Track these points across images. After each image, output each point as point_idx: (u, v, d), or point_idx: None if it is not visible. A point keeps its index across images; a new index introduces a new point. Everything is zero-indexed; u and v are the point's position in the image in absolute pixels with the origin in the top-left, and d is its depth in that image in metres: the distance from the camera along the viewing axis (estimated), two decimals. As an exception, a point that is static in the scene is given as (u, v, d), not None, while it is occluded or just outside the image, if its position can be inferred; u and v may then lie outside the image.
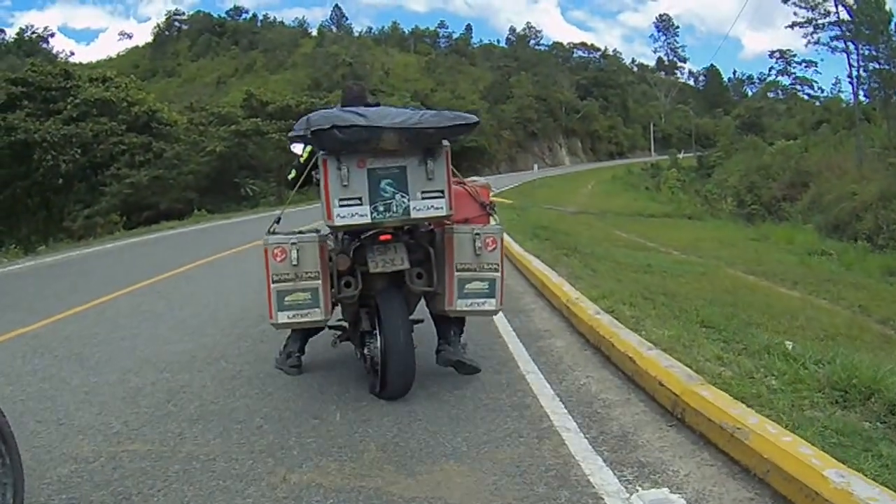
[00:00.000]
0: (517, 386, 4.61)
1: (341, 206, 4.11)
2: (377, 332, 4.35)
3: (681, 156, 69.03)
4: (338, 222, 4.14)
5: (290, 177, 4.89)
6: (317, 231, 4.46)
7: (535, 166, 50.05)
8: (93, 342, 6.21)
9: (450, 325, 4.78)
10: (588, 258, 10.23)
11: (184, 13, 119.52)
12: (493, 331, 6.09)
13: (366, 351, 4.51)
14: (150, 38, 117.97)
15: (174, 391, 4.66)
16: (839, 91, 78.24)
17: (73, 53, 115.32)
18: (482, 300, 4.42)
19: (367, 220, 4.15)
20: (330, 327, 4.85)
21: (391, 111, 4.28)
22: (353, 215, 4.12)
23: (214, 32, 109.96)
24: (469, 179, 4.91)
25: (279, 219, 4.49)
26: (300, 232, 4.38)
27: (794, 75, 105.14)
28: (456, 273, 4.38)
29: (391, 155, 4.16)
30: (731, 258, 14.05)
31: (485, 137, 69.19)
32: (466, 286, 4.39)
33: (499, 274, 4.44)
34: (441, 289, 4.44)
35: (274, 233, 4.33)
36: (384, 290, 4.36)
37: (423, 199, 4.20)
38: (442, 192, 4.23)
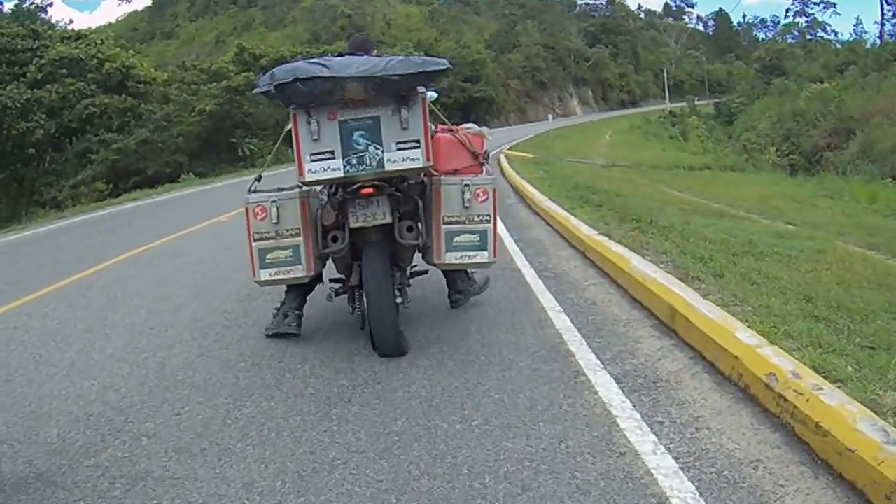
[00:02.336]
0: None
1: (313, 160, 3.88)
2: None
3: (696, 103, 66.47)
4: (309, 177, 3.92)
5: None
6: (300, 186, 4.15)
7: (550, 116, 47.35)
8: None
9: (453, 272, 4.73)
10: (671, 235, 7.10)
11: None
12: (640, 473, 2.97)
13: (356, 305, 4.34)
14: (149, 2, 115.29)
15: None
16: (863, 31, 74.69)
17: (71, 21, 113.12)
18: (473, 252, 4.25)
19: (340, 173, 3.91)
20: (331, 280, 4.58)
21: (357, 60, 3.88)
22: (325, 170, 3.89)
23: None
24: (462, 127, 4.58)
25: (259, 177, 4.36)
26: (281, 189, 4.13)
27: (811, 16, 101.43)
28: (443, 226, 4.22)
29: (363, 105, 3.89)
30: (828, 225, 10.87)
31: (492, 87, 67.43)
32: (455, 239, 4.24)
33: (490, 225, 4.24)
34: (430, 242, 4.27)
35: (255, 191, 4.13)
36: (369, 245, 4.09)
37: (399, 150, 3.92)
38: (418, 142, 3.93)
